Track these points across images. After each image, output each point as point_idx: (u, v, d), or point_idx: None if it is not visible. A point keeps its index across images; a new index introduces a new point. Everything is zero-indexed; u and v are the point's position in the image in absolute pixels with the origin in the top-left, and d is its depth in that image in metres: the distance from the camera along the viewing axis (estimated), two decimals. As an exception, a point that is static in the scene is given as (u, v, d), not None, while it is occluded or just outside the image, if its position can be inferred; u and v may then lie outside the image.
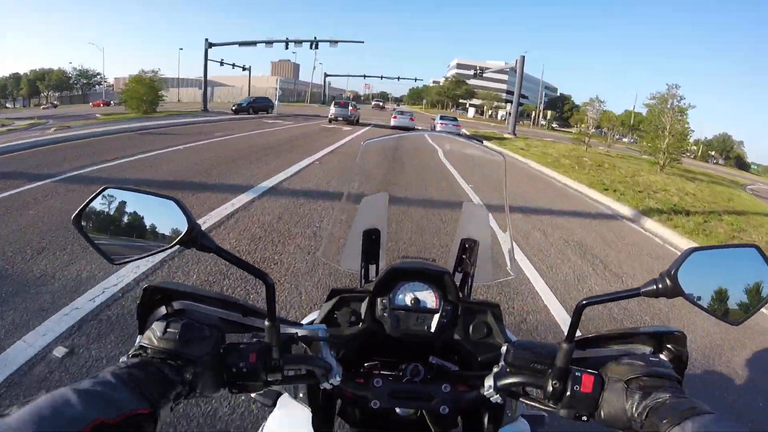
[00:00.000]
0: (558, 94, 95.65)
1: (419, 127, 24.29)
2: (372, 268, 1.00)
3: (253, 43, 29.95)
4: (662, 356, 0.63)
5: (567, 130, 75.78)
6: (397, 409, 0.72)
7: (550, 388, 0.58)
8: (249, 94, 55.89)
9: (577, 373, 0.58)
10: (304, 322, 0.76)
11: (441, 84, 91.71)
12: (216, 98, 64.46)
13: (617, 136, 22.65)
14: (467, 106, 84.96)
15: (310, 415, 0.73)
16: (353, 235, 1.00)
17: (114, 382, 0.45)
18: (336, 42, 28.62)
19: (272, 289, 0.58)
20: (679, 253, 0.54)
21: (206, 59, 31.37)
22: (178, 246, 0.55)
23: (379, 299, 0.76)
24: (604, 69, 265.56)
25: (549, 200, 8.29)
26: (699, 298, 0.55)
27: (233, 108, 26.90)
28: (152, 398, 0.47)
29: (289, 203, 5.51)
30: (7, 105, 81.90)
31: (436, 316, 0.75)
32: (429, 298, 0.76)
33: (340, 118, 22.91)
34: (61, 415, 0.38)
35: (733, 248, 0.57)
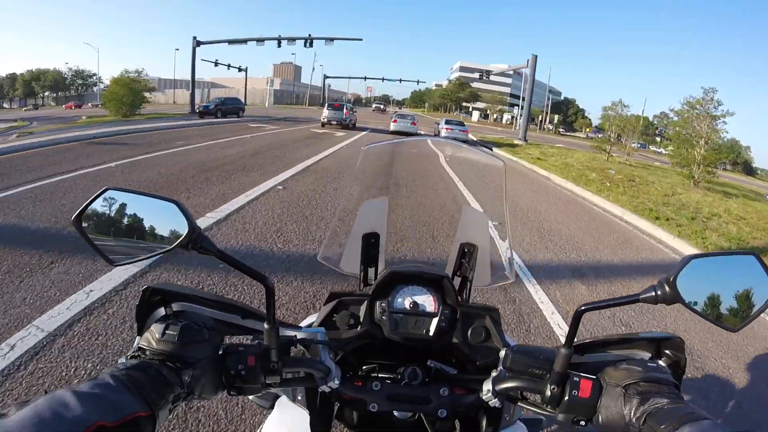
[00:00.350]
0: (562, 98, 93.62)
1: (421, 132, 22.19)
2: (371, 271, 0.97)
3: (244, 41, 27.92)
4: (660, 362, 0.62)
5: (573, 134, 74.62)
6: (395, 413, 0.72)
7: (548, 393, 0.58)
8: (245, 96, 54.49)
9: (575, 378, 0.58)
10: (302, 324, 0.78)
11: (444, 87, 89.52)
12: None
13: (634, 143, 20.67)
14: (470, 109, 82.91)
15: (308, 417, 0.73)
16: (353, 238, 0.99)
17: (113, 384, 0.45)
18: (332, 39, 26.50)
19: (272, 292, 0.58)
20: None
21: (194, 58, 29.36)
22: (178, 248, 0.54)
23: (378, 302, 0.75)
24: (608, 73, 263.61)
25: (594, 239, 6.06)
26: (698, 305, 0.55)
27: (198, 110, 22.99)
28: (151, 400, 0.47)
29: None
30: (4, 105, 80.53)
31: (435, 320, 0.74)
32: (428, 301, 0.76)
33: (334, 122, 20.61)
34: (61, 417, 0.38)
35: (732, 255, 0.57)
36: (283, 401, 0.81)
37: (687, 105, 16.83)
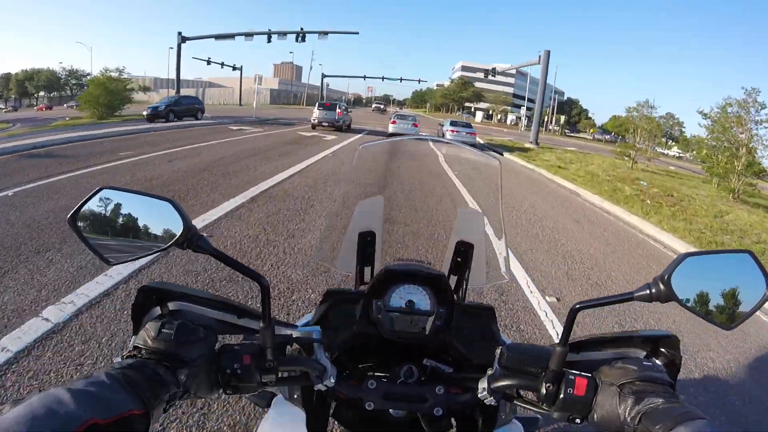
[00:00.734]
0: (565, 98, 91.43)
1: (424, 134, 20.02)
2: (367, 270, 0.97)
3: (231, 36, 25.88)
4: (655, 360, 0.63)
5: (578, 135, 72.43)
6: (391, 411, 0.72)
7: (543, 391, 0.59)
8: (240, 96, 52.58)
9: (570, 377, 0.58)
10: (298, 323, 0.77)
11: (446, 86, 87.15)
12: (207, 100, 61.04)
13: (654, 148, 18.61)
14: (473, 109, 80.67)
15: (305, 416, 0.73)
16: (349, 237, 0.98)
17: (107, 382, 0.45)
18: (326, 33, 24.35)
19: (267, 291, 0.58)
20: None
21: (179, 55, 27.37)
22: (174, 247, 0.54)
23: (373, 301, 0.74)
24: (609, 72, 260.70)
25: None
26: (692, 303, 0.55)
27: (145, 114, 18.10)
28: (146, 399, 0.47)
29: None
30: (0, 106, 78.89)
31: (431, 319, 0.74)
32: (423, 300, 0.75)
33: (325, 123, 18.41)
34: (55, 414, 0.38)
35: (727, 254, 0.57)
36: (280, 400, 0.81)
37: (723, 108, 14.73)
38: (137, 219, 0.56)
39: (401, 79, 52.37)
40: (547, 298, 3.56)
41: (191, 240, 0.54)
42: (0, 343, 2.22)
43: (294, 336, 0.65)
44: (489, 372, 0.65)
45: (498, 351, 0.64)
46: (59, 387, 0.41)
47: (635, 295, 0.54)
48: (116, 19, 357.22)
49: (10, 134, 13.87)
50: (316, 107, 18.98)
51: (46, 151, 8.37)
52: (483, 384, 0.64)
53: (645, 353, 0.66)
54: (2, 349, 2.17)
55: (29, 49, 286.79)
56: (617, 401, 0.54)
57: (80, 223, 0.55)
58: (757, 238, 7.71)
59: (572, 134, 70.07)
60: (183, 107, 19.91)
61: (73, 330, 2.40)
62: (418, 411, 0.70)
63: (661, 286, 0.53)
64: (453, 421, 0.74)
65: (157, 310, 0.64)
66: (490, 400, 0.64)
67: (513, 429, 0.77)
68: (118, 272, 3.07)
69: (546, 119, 64.45)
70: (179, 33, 26.96)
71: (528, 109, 51.79)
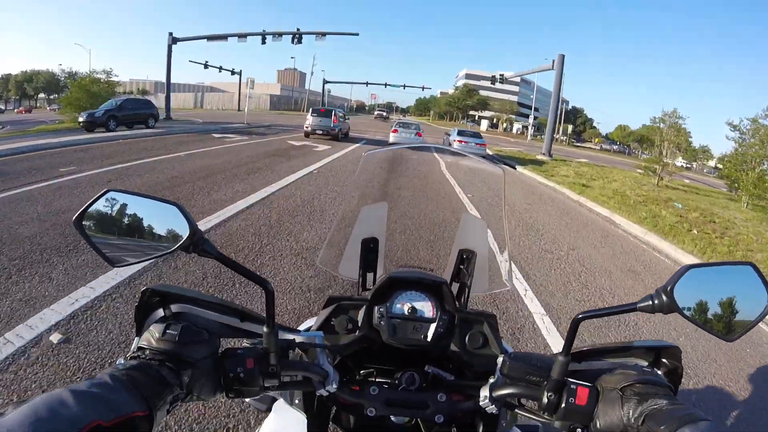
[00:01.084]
0: (569, 107, 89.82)
1: (429, 143, 18.32)
2: (370, 276, 0.95)
3: (224, 37, 24.35)
4: (656, 369, 0.63)
5: (584, 145, 70.69)
6: (392, 417, 0.71)
7: (545, 400, 0.58)
8: (239, 101, 50.91)
9: (572, 386, 0.58)
10: (301, 328, 0.79)
11: (450, 94, 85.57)
12: (206, 105, 59.82)
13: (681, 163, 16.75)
14: (477, 117, 79.13)
15: (305, 421, 0.73)
16: (352, 243, 0.97)
17: (111, 384, 0.44)
18: (323, 34, 22.74)
19: (272, 295, 0.58)
20: None
21: (169, 57, 25.89)
22: (179, 250, 0.54)
23: (376, 307, 0.74)
24: (614, 82, 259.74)
25: None
26: (695, 314, 0.54)
27: (80, 122, 14.84)
28: (149, 400, 0.46)
29: None
30: (0, 107, 78.10)
31: (433, 326, 0.73)
32: (426, 307, 0.75)
33: (320, 131, 16.65)
34: (58, 416, 0.38)
35: (729, 266, 0.56)
36: (281, 404, 0.80)
37: (754, 120, 13.08)
38: (143, 221, 0.56)
39: (404, 86, 50.87)
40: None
41: (197, 244, 0.54)
42: None
43: (297, 341, 0.65)
44: (491, 380, 0.65)
45: (500, 359, 0.63)
46: (62, 388, 0.41)
47: (638, 306, 0.54)
48: (120, 22, 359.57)
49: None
50: (309, 113, 17.21)
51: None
52: (484, 392, 0.64)
53: (647, 363, 0.66)
54: None
55: (30, 50, 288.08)
56: (620, 404, 0.53)
57: (86, 225, 0.55)
58: None
59: (578, 144, 68.40)
60: (128, 113, 15.92)
61: None
62: (419, 418, 0.70)
63: (664, 298, 0.53)
64: (454, 428, 0.73)
65: (160, 313, 0.62)
66: (491, 408, 0.64)
67: None
68: None
69: (557, 129, 62.90)
70: (170, 34, 25.50)
71: (534, 118, 50.74)
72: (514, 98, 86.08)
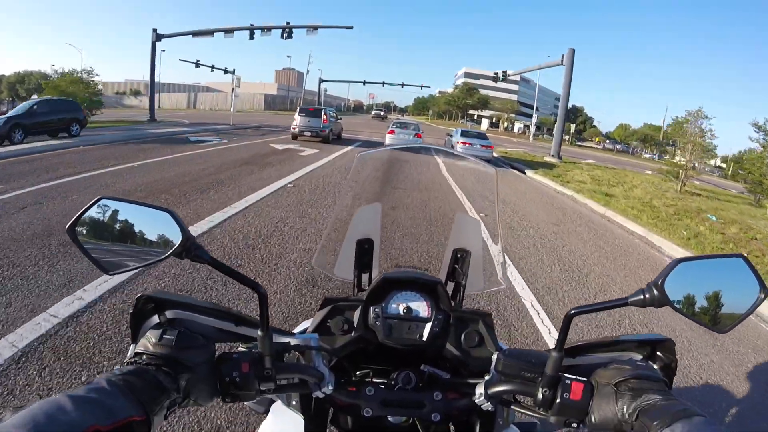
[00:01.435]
0: (570, 106, 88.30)
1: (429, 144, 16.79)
2: (365, 277, 0.95)
3: (210, 33, 22.77)
4: (650, 363, 0.63)
5: (586, 145, 69.12)
6: (389, 417, 0.71)
7: (540, 396, 0.59)
8: (232, 101, 48.87)
9: (566, 381, 0.58)
10: (297, 330, 0.80)
11: (450, 93, 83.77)
12: (200, 105, 58.29)
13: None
14: (476, 117, 77.50)
15: (303, 422, 0.73)
16: (347, 244, 0.97)
17: (108, 389, 0.45)
18: (315, 28, 21.13)
19: (265, 299, 0.58)
20: None
21: (153, 54, 24.30)
22: (172, 256, 0.54)
23: (371, 308, 0.74)
24: (611, 79, 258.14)
25: None
26: (686, 307, 0.55)
27: None
28: (147, 405, 0.47)
29: None
30: (-5, 108, 76.74)
31: (428, 325, 0.74)
32: (421, 307, 0.75)
33: (308, 133, 15.06)
34: (56, 421, 0.38)
35: (720, 258, 0.56)
36: (278, 406, 0.80)
37: None
38: (136, 228, 0.56)
39: (402, 85, 49.45)
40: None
41: (190, 250, 0.54)
42: None
43: (292, 344, 0.64)
44: (486, 377, 0.65)
45: (494, 356, 0.64)
46: (60, 394, 0.41)
47: (629, 300, 0.54)
48: (118, 22, 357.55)
49: None
50: (296, 114, 15.56)
51: None
52: (480, 389, 0.64)
53: (641, 357, 0.65)
54: None
55: (24, 51, 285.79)
56: (614, 400, 0.54)
57: (79, 232, 0.54)
58: None
59: (580, 143, 66.95)
60: (41, 120, 11.96)
61: None
62: (415, 417, 0.71)
63: (655, 292, 0.53)
64: (451, 426, 0.74)
65: (155, 319, 0.63)
66: (487, 406, 0.65)
67: None
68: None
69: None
70: (154, 30, 23.90)
71: (531, 117, 49.33)
72: (514, 97, 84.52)
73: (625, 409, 0.52)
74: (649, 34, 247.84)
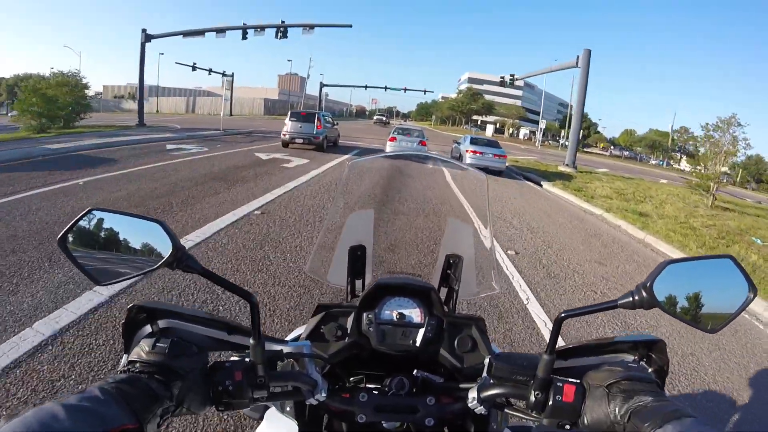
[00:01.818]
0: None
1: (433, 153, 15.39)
2: (358, 283, 0.96)
3: (201, 33, 21.54)
4: (642, 363, 0.63)
5: (591, 151, 67.58)
6: (384, 423, 0.71)
7: (532, 399, 0.59)
8: (231, 106, 48.00)
9: (558, 383, 0.58)
10: (290, 336, 0.80)
11: (453, 98, 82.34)
12: (198, 109, 57.23)
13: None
14: (480, 122, 76.17)
15: (297, 428, 0.73)
16: (340, 250, 0.98)
17: (101, 397, 0.45)
18: (312, 27, 19.76)
19: (256, 308, 0.58)
20: None
21: (143, 55, 23.08)
22: (163, 267, 0.54)
23: (365, 314, 0.75)
24: (619, 84, 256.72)
25: None
26: (675, 308, 0.55)
27: None
28: (139, 413, 0.47)
29: None
30: (-3, 111, 76.28)
31: (422, 331, 0.74)
32: (414, 312, 0.76)
33: (300, 140, 13.66)
34: (49, 429, 0.38)
35: (708, 259, 0.56)
36: (273, 412, 0.80)
37: None
38: (127, 239, 0.56)
39: (405, 89, 47.95)
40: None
41: (181, 260, 0.54)
42: None
43: (285, 351, 0.65)
44: (478, 381, 0.65)
45: (486, 360, 0.64)
46: (53, 402, 0.41)
47: (619, 302, 0.54)
48: (118, 25, 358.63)
49: None
50: (287, 119, 14.13)
51: None
52: (473, 393, 0.64)
53: (633, 358, 0.65)
54: None
55: (23, 53, 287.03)
56: (606, 401, 0.54)
57: (70, 244, 0.54)
58: None
59: (586, 150, 65.58)
60: None
61: None
62: (409, 422, 0.70)
63: (644, 294, 0.53)
64: (445, 431, 0.74)
65: (148, 329, 0.62)
66: (480, 410, 0.65)
67: None
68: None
69: (562, 134, 59.93)
70: (143, 30, 22.72)
71: (536, 123, 48.16)
72: (518, 102, 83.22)
73: (617, 411, 0.52)
74: (650, 34, 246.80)
